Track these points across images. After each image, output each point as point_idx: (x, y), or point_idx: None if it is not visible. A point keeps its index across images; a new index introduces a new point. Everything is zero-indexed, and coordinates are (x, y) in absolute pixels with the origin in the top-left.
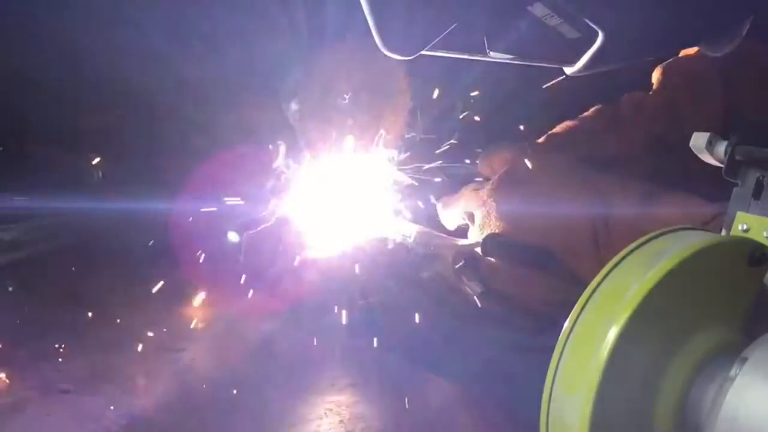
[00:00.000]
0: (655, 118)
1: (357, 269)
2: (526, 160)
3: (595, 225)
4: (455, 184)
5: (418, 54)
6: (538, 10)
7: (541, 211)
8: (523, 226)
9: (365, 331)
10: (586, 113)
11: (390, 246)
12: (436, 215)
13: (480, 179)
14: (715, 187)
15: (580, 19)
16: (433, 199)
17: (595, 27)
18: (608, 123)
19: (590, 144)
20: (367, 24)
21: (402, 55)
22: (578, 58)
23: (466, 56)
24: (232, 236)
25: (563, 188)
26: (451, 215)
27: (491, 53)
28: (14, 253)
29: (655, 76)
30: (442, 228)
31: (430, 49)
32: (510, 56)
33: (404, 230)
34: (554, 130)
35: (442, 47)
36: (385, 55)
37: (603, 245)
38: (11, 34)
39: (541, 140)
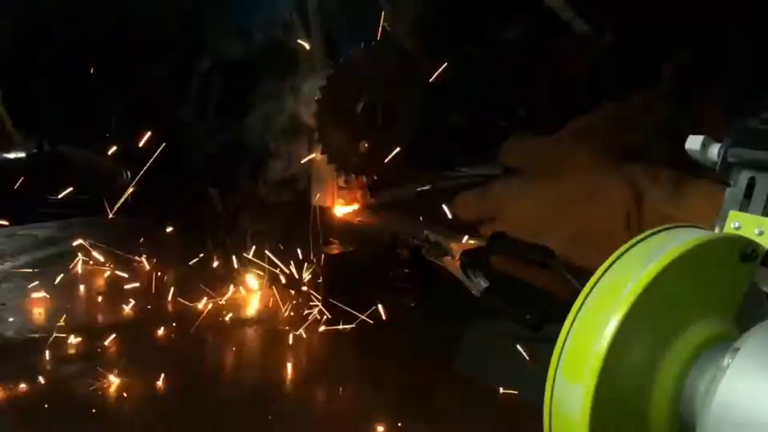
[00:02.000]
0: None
1: (364, 265)
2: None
3: (629, 211)
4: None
5: None
6: (554, 1)
7: (582, 199)
8: (561, 216)
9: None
10: (597, 109)
11: (396, 242)
12: (443, 212)
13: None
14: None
15: (592, 13)
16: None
17: (604, 23)
18: (621, 118)
19: (608, 137)
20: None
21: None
22: None
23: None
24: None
25: (598, 176)
26: (462, 212)
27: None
28: (49, 249)
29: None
30: (450, 224)
31: None
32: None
33: (410, 227)
34: (571, 124)
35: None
36: None
37: (634, 231)
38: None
39: (562, 133)
